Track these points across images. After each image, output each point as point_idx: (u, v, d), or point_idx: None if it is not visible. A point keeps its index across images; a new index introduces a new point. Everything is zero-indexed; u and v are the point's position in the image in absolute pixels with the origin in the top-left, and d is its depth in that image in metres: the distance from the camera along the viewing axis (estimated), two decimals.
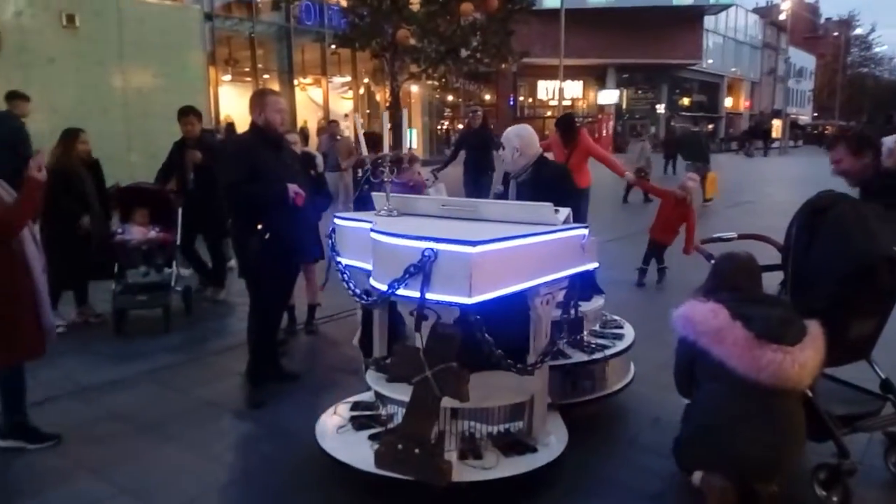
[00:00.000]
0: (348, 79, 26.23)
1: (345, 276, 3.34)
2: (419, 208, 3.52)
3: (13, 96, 7.26)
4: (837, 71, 59.52)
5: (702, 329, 2.82)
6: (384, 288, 2.76)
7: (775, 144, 42.15)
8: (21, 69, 8.89)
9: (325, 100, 24.80)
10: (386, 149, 3.67)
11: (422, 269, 2.59)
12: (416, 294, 2.63)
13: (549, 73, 33.68)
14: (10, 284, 3.38)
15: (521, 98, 43.26)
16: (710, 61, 51.03)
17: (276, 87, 23.40)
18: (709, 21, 48.28)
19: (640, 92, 47.69)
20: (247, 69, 22.93)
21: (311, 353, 5.21)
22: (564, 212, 3.27)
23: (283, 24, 23.37)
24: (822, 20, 78.91)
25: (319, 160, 6.06)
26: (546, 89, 43.40)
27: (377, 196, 3.61)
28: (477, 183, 9.27)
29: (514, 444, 3.20)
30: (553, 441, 3.26)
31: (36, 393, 3.95)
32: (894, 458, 3.31)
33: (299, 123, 22.54)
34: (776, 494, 2.77)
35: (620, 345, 3.95)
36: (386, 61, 16.98)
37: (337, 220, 3.49)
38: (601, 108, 42.70)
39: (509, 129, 4.23)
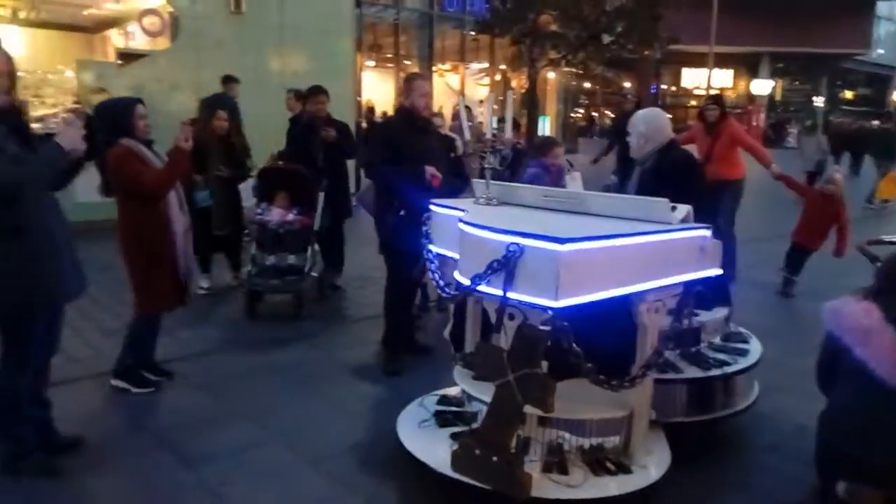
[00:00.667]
0: (485, 65, 26.02)
1: (433, 265, 3.11)
2: (520, 198, 3.23)
3: (228, 80, 8.23)
4: None
5: (849, 325, 2.70)
6: (466, 282, 2.51)
7: None
8: (195, 51, 9.46)
9: (461, 86, 24.74)
10: (508, 134, 3.68)
11: (505, 266, 2.31)
12: (499, 292, 2.35)
13: (695, 60, 31.82)
14: (154, 242, 3.75)
15: (664, 86, 41.32)
16: (881, 52, 46.18)
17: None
18: (882, 7, 43.57)
19: (796, 83, 44.06)
20: (389, 55, 23.30)
21: (443, 329, 5.19)
22: (683, 209, 2.86)
23: (427, 10, 23.51)
24: None
25: (459, 143, 5.88)
26: (691, 77, 41.20)
27: (477, 183, 3.36)
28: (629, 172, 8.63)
29: (607, 462, 2.87)
30: (652, 462, 2.89)
31: (193, 345, 4.69)
32: None
33: (435, 109, 22.64)
34: None
35: (743, 362, 3.46)
36: (525, 47, 16.59)
37: (432, 207, 3.27)
38: (752, 98, 39.88)
39: (637, 112, 4.01)
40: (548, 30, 15.02)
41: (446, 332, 3.56)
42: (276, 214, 5.61)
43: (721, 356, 3.46)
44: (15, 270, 2.81)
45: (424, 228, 3.27)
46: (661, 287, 2.71)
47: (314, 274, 5.78)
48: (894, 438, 2.57)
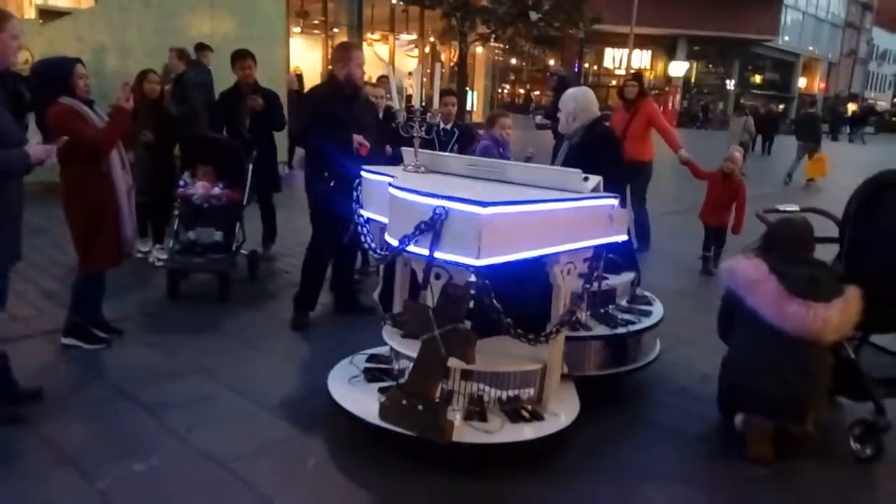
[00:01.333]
0: (414, 37, 25.90)
1: (363, 228, 3.25)
2: (447, 166, 3.39)
3: (200, 48, 8.20)
4: None
5: (741, 280, 3.17)
6: (395, 243, 2.66)
7: (847, 130, 40.03)
8: (121, 12, 9.10)
9: (391, 56, 24.57)
10: (436, 106, 3.66)
11: (432, 227, 2.47)
12: (426, 252, 2.52)
13: (618, 40, 32.58)
14: (97, 201, 3.75)
15: (587, 65, 42.14)
16: (787, 38, 48.36)
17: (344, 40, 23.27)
18: None
19: (710, 66, 45.73)
20: (316, 22, 22.86)
21: None
22: (594, 180, 3.08)
23: None
24: None
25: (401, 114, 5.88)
26: (613, 57, 42.18)
27: (406, 151, 3.50)
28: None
29: (522, 411, 3.10)
30: (564, 411, 3.14)
31: (141, 306, 4.72)
32: None
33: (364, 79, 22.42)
34: (809, 435, 3.07)
35: (647, 321, 3.77)
36: (456, 20, 16.65)
37: (363, 173, 3.39)
38: (669, 80, 41.24)
39: (566, 91, 4.22)
40: (478, 3, 15.14)
41: (376, 295, 3.72)
42: (201, 188, 5.19)
43: (627, 316, 3.75)
44: None
45: (356, 194, 3.39)
46: (572, 250, 2.94)
47: (244, 252, 5.47)
48: (781, 373, 3.02)
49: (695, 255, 6.56)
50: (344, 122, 4.26)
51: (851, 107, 52.18)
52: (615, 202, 3.09)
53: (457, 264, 2.58)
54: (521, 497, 2.77)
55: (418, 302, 2.90)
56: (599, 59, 42.83)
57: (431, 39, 25.57)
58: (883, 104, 59.28)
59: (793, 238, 3.31)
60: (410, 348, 3.07)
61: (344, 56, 4.41)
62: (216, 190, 5.21)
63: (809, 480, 2.99)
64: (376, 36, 25.07)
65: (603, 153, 3.82)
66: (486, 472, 2.86)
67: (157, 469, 2.82)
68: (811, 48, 53.50)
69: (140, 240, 5.64)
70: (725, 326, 3.42)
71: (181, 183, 5.24)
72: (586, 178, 3.04)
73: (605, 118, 5.31)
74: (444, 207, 2.46)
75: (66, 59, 3.87)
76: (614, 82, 43.06)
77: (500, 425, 2.97)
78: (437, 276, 2.80)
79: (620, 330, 3.59)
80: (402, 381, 3.15)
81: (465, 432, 2.88)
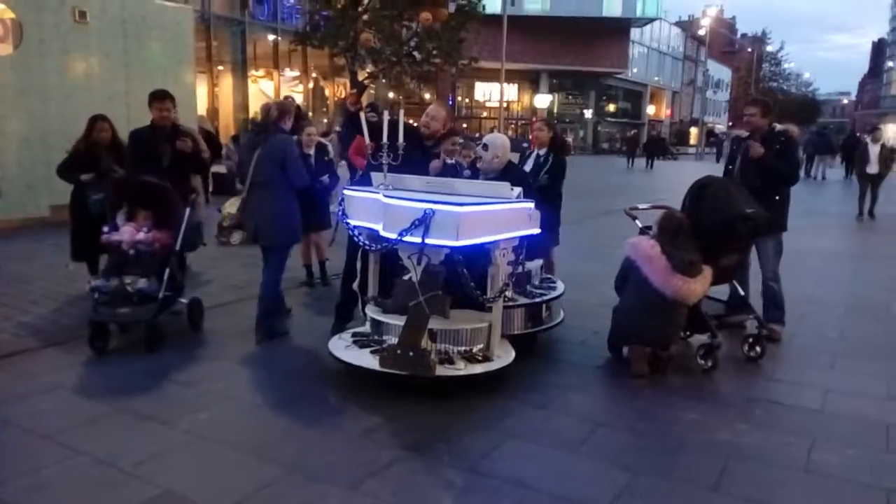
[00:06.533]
0: (297, 73, 26.87)
1: (354, 232, 4.40)
2: (409, 185, 4.59)
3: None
4: (750, 84, 63.42)
5: (640, 254, 4.51)
6: (393, 236, 3.85)
7: (691, 150, 44.89)
8: (40, 58, 9.59)
9: (276, 92, 25.39)
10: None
11: (423, 222, 3.70)
12: (418, 240, 3.74)
13: (487, 75, 34.92)
14: None
15: (459, 98, 44.48)
16: (636, 70, 53.36)
17: (229, 78, 23.90)
18: (635, 32, 50.59)
19: (570, 97, 49.51)
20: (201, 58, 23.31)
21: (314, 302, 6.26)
22: (517, 190, 4.41)
23: (239, 17, 23.90)
24: (739, 35, 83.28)
25: (331, 148, 6.87)
26: (483, 91, 44.68)
27: (375, 175, 4.65)
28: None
29: (476, 357, 4.33)
30: (504, 356, 4.40)
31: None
32: (745, 347, 4.91)
33: (251, 114, 23.11)
34: (671, 357, 4.63)
35: (553, 293, 5.15)
36: (347, 61, 17.94)
37: (347, 192, 4.54)
38: (535, 110, 44.40)
39: (496, 136, 5.35)
40: (368, 46, 16.53)
41: (355, 285, 4.84)
42: (127, 233, 4.93)
43: (540, 290, 5.12)
44: None
45: (340, 208, 4.53)
46: (508, 238, 4.24)
47: (183, 300, 5.25)
48: (657, 319, 4.46)
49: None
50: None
51: (693, 130, 57.95)
52: (531, 205, 4.43)
53: (438, 247, 3.80)
54: (482, 405, 3.99)
55: (406, 280, 4.10)
56: (471, 92, 45.30)
57: (314, 75, 26.66)
58: (721, 126, 66.52)
59: (678, 227, 4.56)
60: (393, 318, 4.28)
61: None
62: (141, 235, 4.93)
63: (671, 384, 4.44)
64: (261, 73, 25.85)
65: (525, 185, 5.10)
66: (454, 396, 4.06)
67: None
68: (657, 78, 59.18)
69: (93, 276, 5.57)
70: (620, 283, 4.79)
71: (105, 228, 5.01)
72: (512, 189, 4.37)
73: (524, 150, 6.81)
74: (432, 209, 3.70)
75: None
76: (485, 113, 45.79)
77: (464, 366, 4.20)
78: (419, 262, 4.00)
79: (537, 299, 4.95)
80: (389, 343, 4.30)
81: (441, 370, 4.08)
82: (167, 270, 4.93)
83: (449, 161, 5.41)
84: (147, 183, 5.11)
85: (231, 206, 5.24)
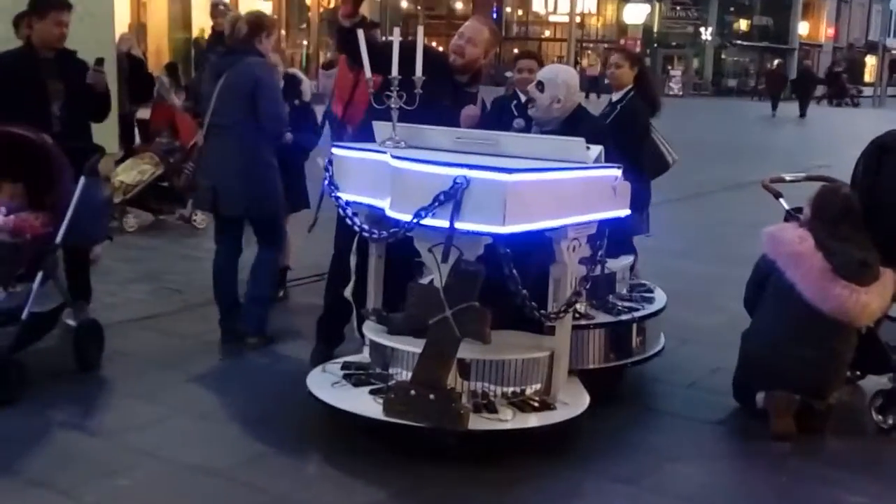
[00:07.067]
0: None
1: (347, 211, 4.42)
2: (430, 141, 4.61)
3: None
4: None
5: (784, 250, 4.41)
6: (407, 218, 3.86)
7: (866, 91, 44.30)
8: None
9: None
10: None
11: (453, 197, 3.70)
12: (445, 223, 3.74)
13: None
14: None
15: (509, 9, 44.20)
16: None
17: None
18: None
19: (678, 9, 48.60)
20: None
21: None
22: (596, 149, 4.40)
23: None
24: None
25: (306, 86, 6.75)
26: (544, 1, 44.26)
27: (379, 125, 4.67)
28: None
29: (530, 402, 4.33)
30: (573, 402, 4.39)
31: None
32: None
33: (194, 33, 23.26)
34: (831, 408, 4.48)
35: (650, 308, 5.14)
36: None
37: (336, 151, 4.57)
38: (624, 29, 43.87)
39: (556, 69, 5.34)
40: None
41: (348, 292, 4.88)
42: None
43: (629, 304, 5.11)
44: None
45: (328, 174, 4.56)
46: (581, 224, 4.24)
47: (70, 321, 5.18)
48: (809, 351, 4.28)
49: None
50: None
51: (870, 60, 56.87)
52: (618, 172, 4.42)
53: (475, 234, 3.80)
54: (537, 476, 3.98)
55: (425, 284, 4.11)
56: (525, 2, 44.87)
57: None
58: None
59: (844, 210, 4.47)
60: (399, 341, 4.31)
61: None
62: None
63: (831, 452, 4.39)
64: None
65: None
66: (496, 461, 4.06)
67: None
68: None
69: None
70: (753, 294, 4.75)
71: None
72: (588, 147, 4.36)
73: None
74: (465, 177, 3.69)
75: None
76: (547, 33, 45.54)
77: (511, 415, 4.20)
78: (445, 258, 4.00)
79: (625, 317, 4.94)
80: (393, 382, 4.31)
81: (477, 422, 4.09)
82: (40, 275, 4.68)
83: (523, 96, 5.41)
84: (14, 137, 4.77)
85: (125, 171, 5.22)
